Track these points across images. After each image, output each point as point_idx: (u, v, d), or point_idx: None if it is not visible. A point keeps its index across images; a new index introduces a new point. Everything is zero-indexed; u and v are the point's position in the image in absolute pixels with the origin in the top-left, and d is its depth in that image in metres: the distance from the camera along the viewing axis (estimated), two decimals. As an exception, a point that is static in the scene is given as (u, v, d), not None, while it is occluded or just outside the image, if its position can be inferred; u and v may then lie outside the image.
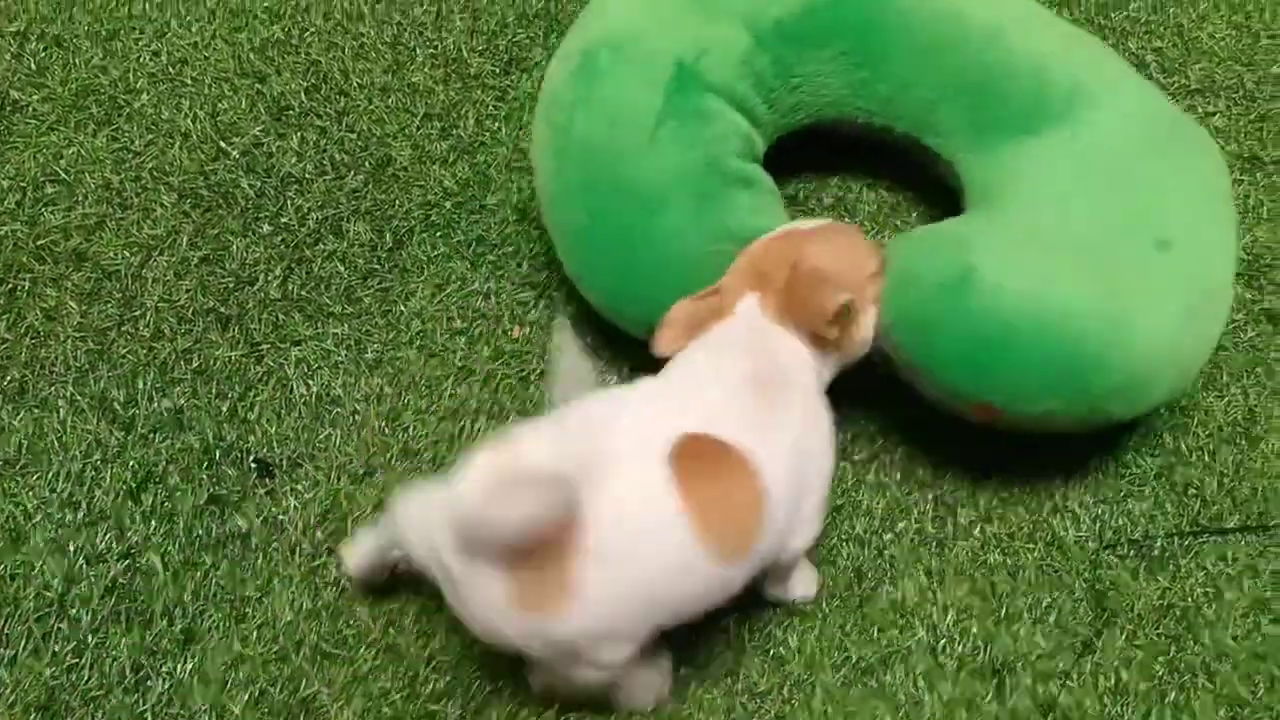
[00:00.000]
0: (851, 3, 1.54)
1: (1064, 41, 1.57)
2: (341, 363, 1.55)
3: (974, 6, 1.55)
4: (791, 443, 1.23)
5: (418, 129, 1.72)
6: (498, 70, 1.77)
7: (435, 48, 1.77)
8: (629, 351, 1.53)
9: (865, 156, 1.67)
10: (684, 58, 1.46)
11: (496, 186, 1.69)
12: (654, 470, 1.14)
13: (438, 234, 1.65)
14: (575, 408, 1.21)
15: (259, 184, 1.68)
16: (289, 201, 1.66)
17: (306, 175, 1.68)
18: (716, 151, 1.46)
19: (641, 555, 1.13)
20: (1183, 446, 1.53)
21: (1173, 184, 1.47)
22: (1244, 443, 1.53)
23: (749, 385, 1.25)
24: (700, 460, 1.17)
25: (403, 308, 1.60)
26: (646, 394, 1.24)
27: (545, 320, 1.60)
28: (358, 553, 1.35)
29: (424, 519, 1.17)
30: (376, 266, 1.63)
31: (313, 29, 1.78)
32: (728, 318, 1.32)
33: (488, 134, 1.73)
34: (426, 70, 1.76)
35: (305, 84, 1.74)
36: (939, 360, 1.37)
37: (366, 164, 1.70)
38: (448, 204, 1.68)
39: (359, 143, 1.71)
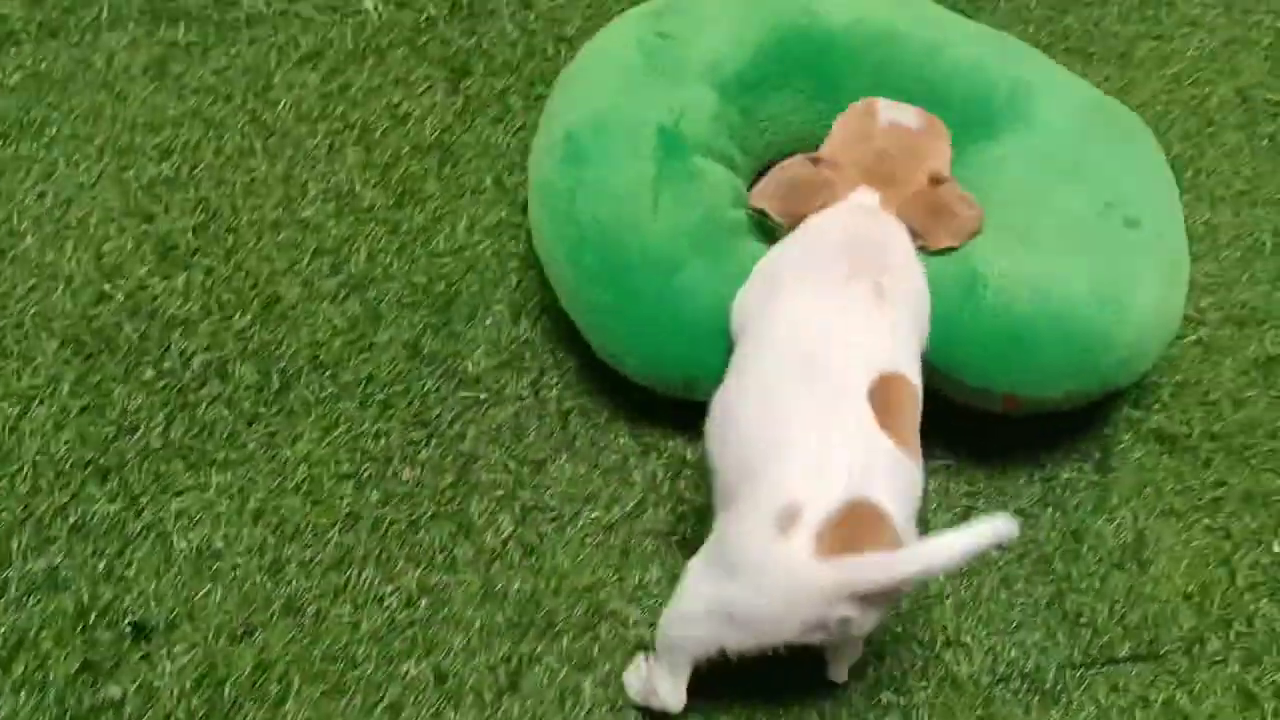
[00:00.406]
0: (795, 41, 1.65)
1: (993, 44, 1.72)
2: (223, 513, 1.52)
3: (906, 25, 1.67)
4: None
5: (308, 265, 1.71)
6: (390, 203, 1.76)
7: (327, 181, 1.77)
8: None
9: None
10: (664, 124, 1.55)
11: (388, 323, 1.68)
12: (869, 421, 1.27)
13: (326, 374, 1.63)
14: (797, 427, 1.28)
15: (143, 327, 1.65)
16: (173, 345, 1.64)
17: (192, 317, 1.66)
18: (713, 205, 1.55)
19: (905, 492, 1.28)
20: (1073, 573, 1.53)
21: (1124, 165, 1.62)
22: (1134, 567, 1.54)
23: (883, 296, 1.36)
24: (886, 393, 1.30)
25: (288, 453, 1.57)
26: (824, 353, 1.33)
27: (437, 459, 1.59)
28: (677, 688, 1.37)
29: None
30: (262, 410, 1.60)
31: (203, 165, 1.77)
32: (843, 208, 1.45)
33: (379, 269, 1.72)
34: (318, 204, 1.75)
35: (194, 222, 1.73)
36: (965, 364, 1.49)
37: (254, 303, 1.68)
38: (336, 342, 1.66)
39: (247, 281, 1.69)
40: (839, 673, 1.44)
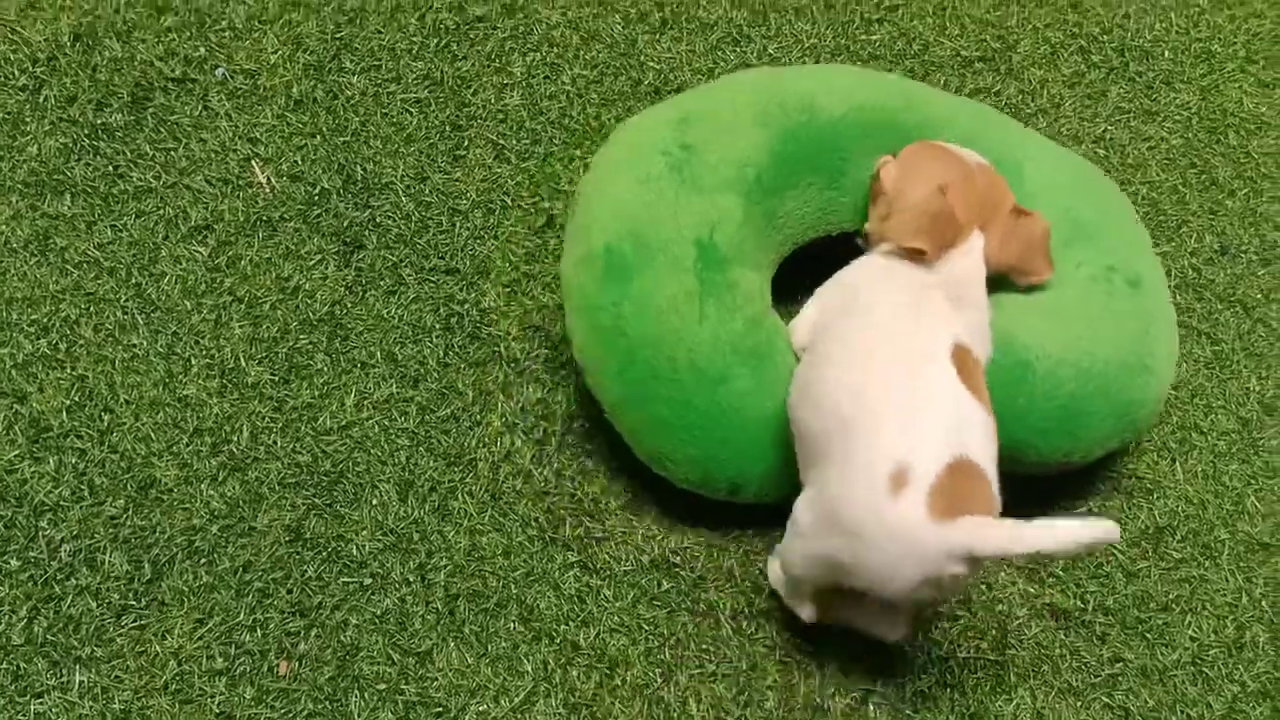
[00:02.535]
0: (804, 139, 1.70)
1: (980, 117, 1.83)
2: (86, 716, 1.42)
3: (892, 106, 1.75)
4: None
5: (187, 445, 1.65)
6: (277, 379, 1.72)
7: (211, 357, 1.72)
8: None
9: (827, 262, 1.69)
10: (701, 237, 1.60)
11: (269, 505, 1.62)
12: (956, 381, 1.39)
13: (201, 562, 1.56)
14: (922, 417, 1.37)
15: (9, 514, 1.57)
16: (40, 533, 1.56)
17: (62, 502, 1.58)
18: (752, 312, 1.61)
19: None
20: (974, 759, 1.50)
21: (1112, 227, 1.77)
22: (1034, 751, 1.52)
23: (956, 304, 1.50)
24: (962, 359, 1.42)
25: (158, 648, 1.49)
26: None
27: (316, 651, 1.52)
28: (808, 611, 1.53)
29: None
30: (132, 602, 1.52)
31: (82, 342, 1.71)
32: (964, 250, 1.54)
33: (262, 448, 1.66)
34: (200, 381, 1.70)
35: (69, 401, 1.66)
36: (1025, 445, 1.58)
37: (128, 487, 1.61)
38: (214, 528, 1.59)
39: (121, 464, 1.62)
40: (894, 630, 1.52)
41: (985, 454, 1.37)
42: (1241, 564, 1.78)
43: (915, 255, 1.52)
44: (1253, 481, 1.86)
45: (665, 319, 1.57)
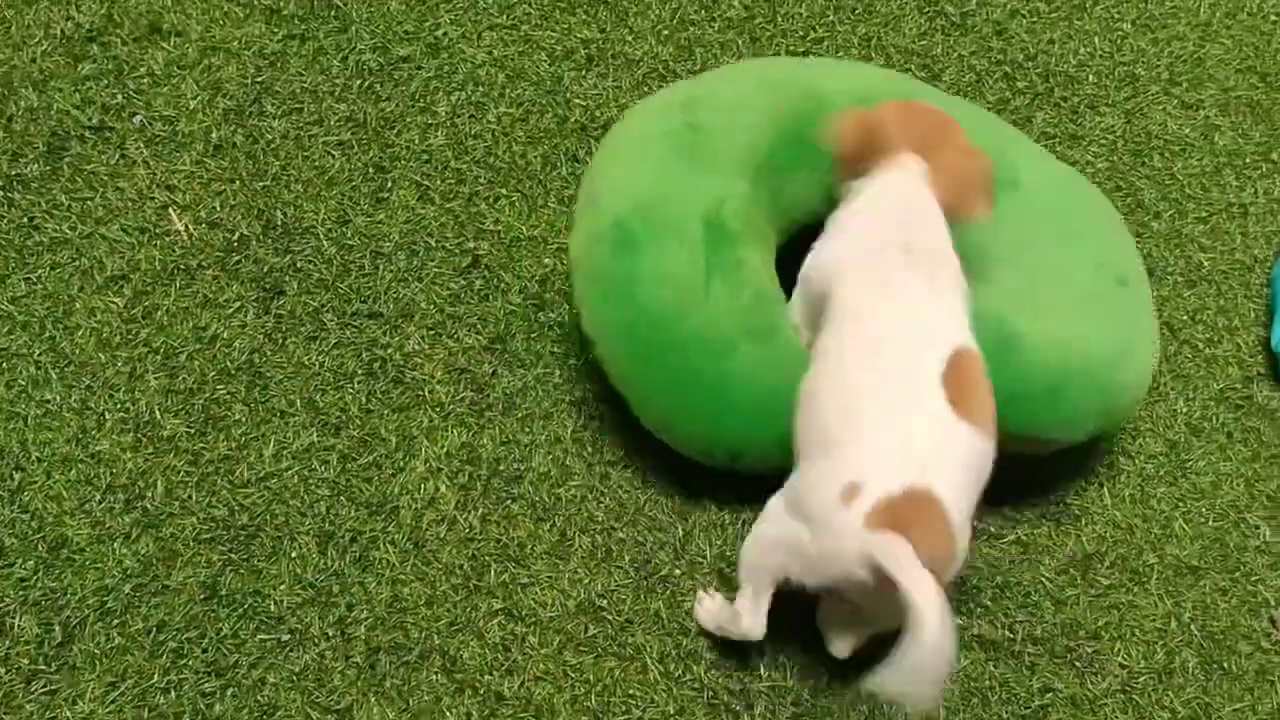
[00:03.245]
0: (809, 123, 1.74)
1: (976, 115, 1.89)
2: (-9, 788, 1.40)
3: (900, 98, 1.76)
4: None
5: (100, 503, 1.62)
6: (193, 432, 1.69)
7: (126, 410, 1.69)
8: None
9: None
10: (708, 215, 1.65)
11: (184, 562, 1.59)
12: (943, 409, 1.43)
13: (114, 622, 1.53)
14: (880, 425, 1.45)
15: (-86, 579, 1.54)
16: (-54, 598, 1.53)
17: (-31, 566, 1.56)
18: (759, 288, 1.66)
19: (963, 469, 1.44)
20: (901, 799, 1.49)
21: (1100, 229, 1.83)
22: (962, 788, 1.51)
23: (932, 275, 1.54)
24: (959, 371, 1.46)
25: (69, 713, 1.46)
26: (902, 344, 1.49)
27: (232, 712, 1.49)
28: (756, 618, 1.55)
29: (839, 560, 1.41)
30: (42, 667, 1.49)
31: (-7, 398, 1.69)
32: (893, 178, 1.60)
33: (177, 503, 1.63)
34: (114, 436, 1.67)
35: (-22, 460, 1.64)
36: (1009, 415, 1.54)
37: (39, 547, 1.58)
38: (127, 587, 1.56)
39: (31, 524, 1.59)
40: (841, 649, 1.59)
41: (954, 484, 1.42)
42: (1170, 588, 1.79)
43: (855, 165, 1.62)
44: (1180, 504, 1.87)
45: (673, 292, 1.63)
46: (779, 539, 1.51)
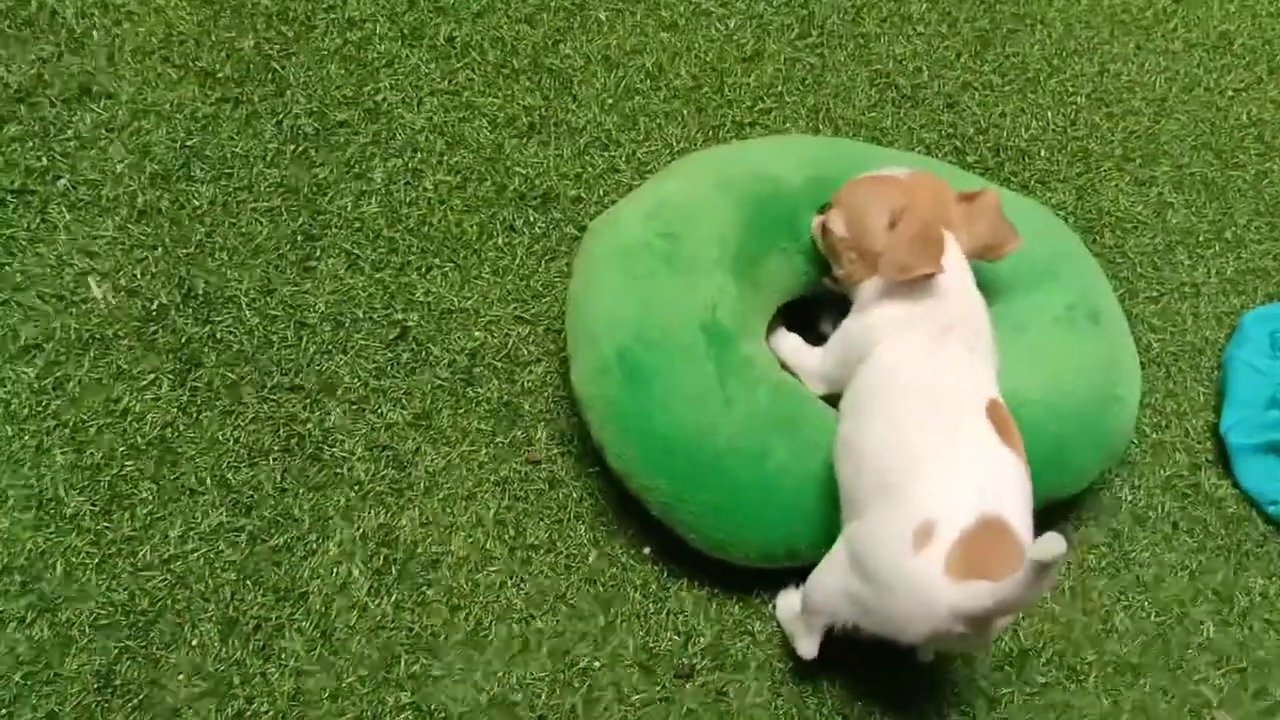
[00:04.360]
0: (769, 206, 1.75)
1: (921, 166, 1.83)
2: None
3: (843, 169, 1.74)
4: None
5: (-6, 584, 1.57)
6: (97, 510, 1.63)
7: (30, 486, 1.64)
8: None
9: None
10: (704, 321, 1.64)
11: (79, 649, 1.53)
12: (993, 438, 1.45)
13: (1, 713, 1.47)
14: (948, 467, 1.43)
15: None
16: None
17: None
18: (771, 380, 1.66)
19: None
20: None
21: (1067, 261, 1.83)
22: None
23: (971, 346, 1.58)
24: (997, 413, 1.49)
25: (-57, 813, 1.40)
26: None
27: (119, 811, 1.42)
28: (810, 645, 1.58)
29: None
30: (-82, 761, 1.43)
31: (-109, 471, 1.63)
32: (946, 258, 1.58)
33: (75, 586, 1.57)
34: (15, 514, 1.61)
35: None
36: None
37: (-75, 632, 1.52)
38: (17, 675, 1.50)
39: (-81, 609, 1.54)
40: (926, 653, 1.64)
41: (1018, 510, 1.42)
42: (1109, 686, 1.73)
43: (926, 279, 1.56)
44: (1122, 598, 1.81)
45: (695, 411, 1.61)
46: (844, 593, 1.47)
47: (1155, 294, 2.15)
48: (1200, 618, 1.82)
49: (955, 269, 1.60)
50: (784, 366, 1.73)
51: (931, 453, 1.45)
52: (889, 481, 1.44)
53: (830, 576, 1.51)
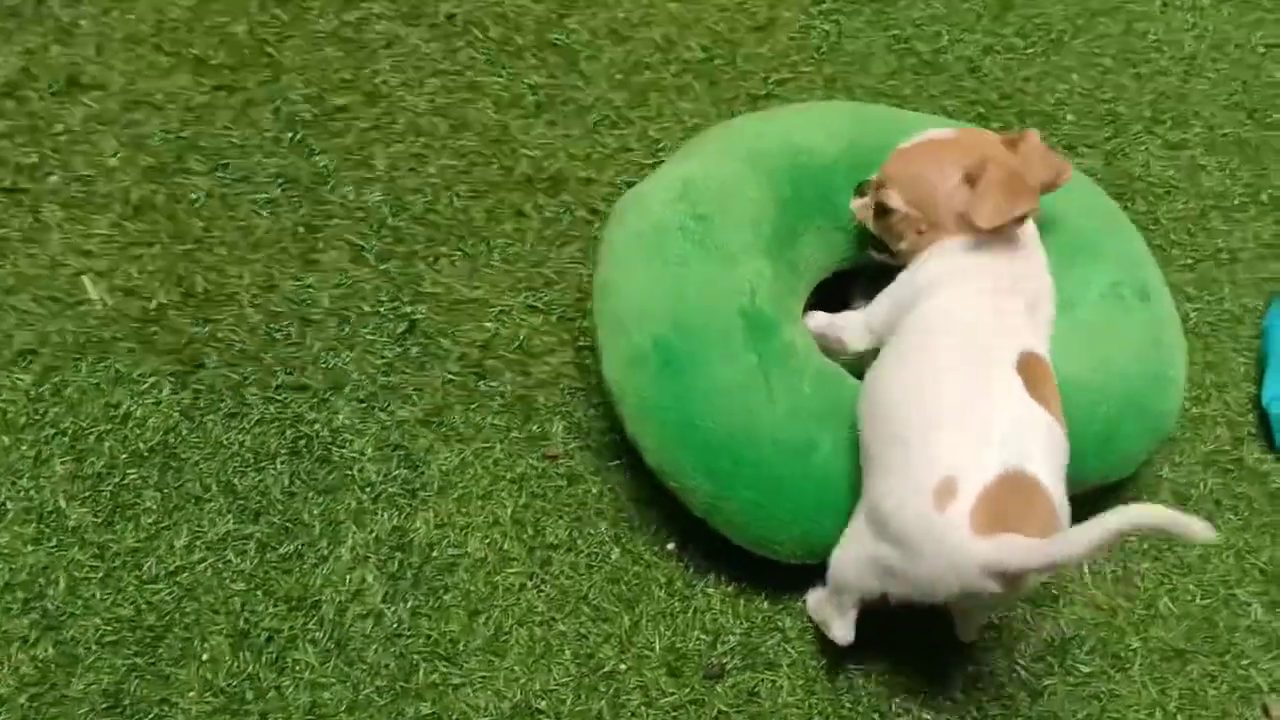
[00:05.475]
0: (804, 182, 1.68)
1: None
2: None
3: (880, 137, 1.68)
4: None
5: (-4, 603, 1.51)
6: (100, 521, 1.58)
7: (30, 499, 1.58)
8: None
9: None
10: (743, 306, 1.56)
11: (85, 668, 1.47)
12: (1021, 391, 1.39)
13: (4, 738, 1.42)
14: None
15: None
16: None
17: None
18: (814, 368, 1.58)
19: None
20: None
21: (1112, 236, 1.76)
22: None
23: (1033, 306, 1.54)
24: (1032, 369, 1.42)
25: (-50, 843, 1.35)
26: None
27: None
28: (845, 629, 1.52)
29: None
30: (-77, 790, 1.38)
31: (-115, 488, 1.57)
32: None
33: (80, 602, 1.52)
34: (15, 528, 1.55)
35: None
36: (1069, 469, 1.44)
37: (-74, 655, 1.47)
38: (22, 698, 1.45)
39: (-81, 630, 1.48)
40: (967, 632, 1.60)
41: (1047, 464, 1.37)
42: (1155, 674, 1.66)
43: (1019, 223, 1.51)
44: (1165, 581, 1.74)
45: (736, 402, 1.54)
46: (868, 561, 1.42)
47: (1190, 261, 2.07)
48: (1247, 599, 1.75)
49: (1030, 224, 1.55)
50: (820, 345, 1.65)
51: (954, 403, 1.39)
52: (907, 436, 1.39)
53: (854, 546, 1.45)
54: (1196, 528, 1.24)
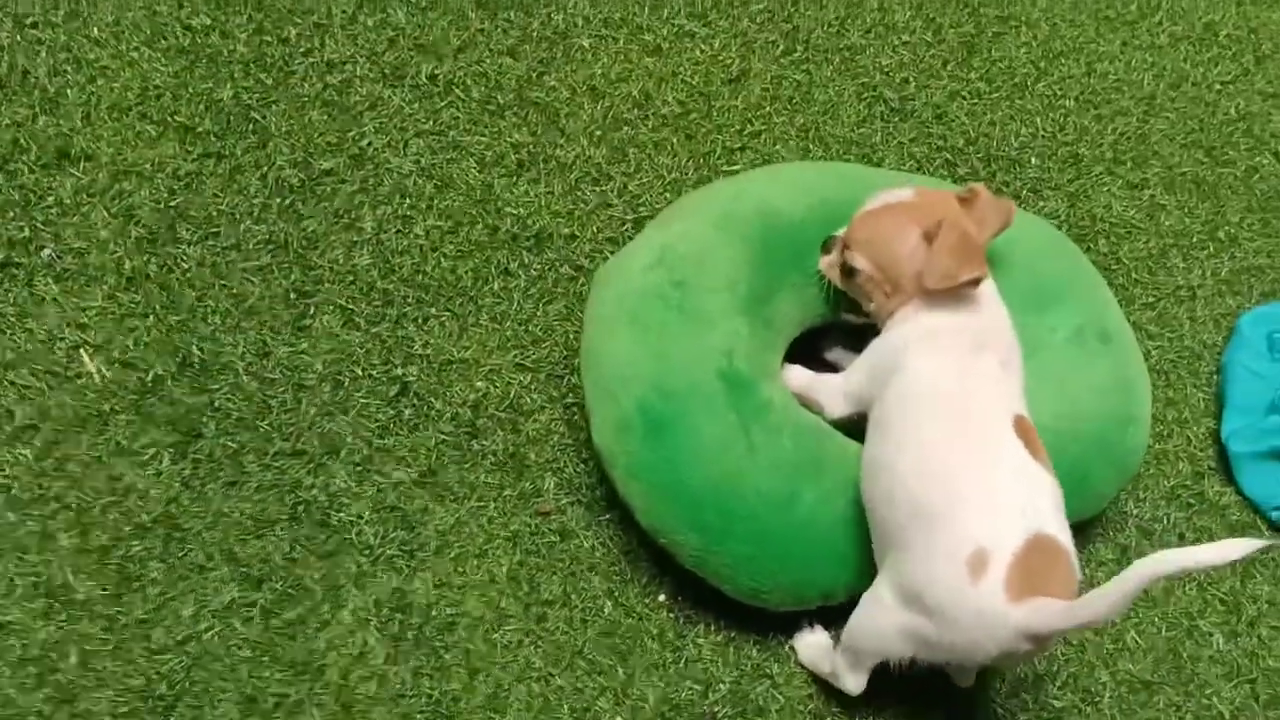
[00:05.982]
0: (775, 241, 1.75)
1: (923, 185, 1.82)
2: None
3: (846, 193, 1.76)
4: None
5: (11, 677, 1.54)
6: (108, 594, 1.62)
7: (38, 574, 1.62)
8: None
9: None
10: (720, 367, 1.63)
11: (100, 740, 1.53)
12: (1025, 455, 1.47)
13: (24, 814, 1.47)
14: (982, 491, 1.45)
15: None
16: None
17: None
18: (793, 424, 1.65)
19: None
20: None
21: (1074, 280, 1.82)
22: None
23: (1004, 362, 1.60)
24: (1024, 430, 1.50)
25: None
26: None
27: None
28: (858, 682, 1.59)
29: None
30: None
31: (-104, 566, 1.61)
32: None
33: (92, 674, 1.56)
34: (25, 604, 1.60)
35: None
36: None
37: (-57, 734, 1.51)
38: (38, 773, 1.50)
39: (-65, 708, 1.52)
40: (966, 680, 1.66)
41: (1058, 522, 1.44)
42: (1124, 706, 1.75)
43: (972, 285, 1.58)
44: (1132, 615, 1.83)
45: (720, 461, 1.60)
46: (898, 631, 1.47)
47: (1151, 299, 2.15)
48: (1209, 629, 1.84)
49: (988, 280, 1.62)
50: (800, 400, 1.72)
51: (970, 476, 1.45)
52: (930, 509, 1.44)
53: (880, 617, 1.50)
54: (1227, 550, 1.31)
